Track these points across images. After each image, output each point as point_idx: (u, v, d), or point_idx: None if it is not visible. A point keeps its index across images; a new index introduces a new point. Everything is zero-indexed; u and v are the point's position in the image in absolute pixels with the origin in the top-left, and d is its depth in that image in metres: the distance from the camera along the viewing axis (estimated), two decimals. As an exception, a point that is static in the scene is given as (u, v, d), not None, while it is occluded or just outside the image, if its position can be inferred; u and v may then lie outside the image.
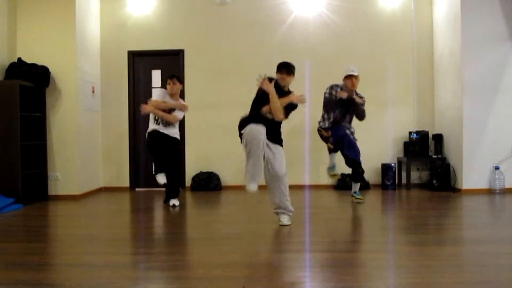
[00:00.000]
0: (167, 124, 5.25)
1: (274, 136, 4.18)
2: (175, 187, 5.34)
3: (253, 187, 4.06)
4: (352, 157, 5.12)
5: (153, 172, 5.27)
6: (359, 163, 5.17)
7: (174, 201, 5.31)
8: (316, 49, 6.80)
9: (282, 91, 4.19)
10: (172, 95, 5.32)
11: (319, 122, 5.40)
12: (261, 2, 6.91)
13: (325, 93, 5.31)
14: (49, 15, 6.06)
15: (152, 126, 5.29)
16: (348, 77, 5.16)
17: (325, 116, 5.33)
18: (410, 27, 6.88)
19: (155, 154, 5.24)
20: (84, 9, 6.40)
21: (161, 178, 5.19)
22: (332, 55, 6.80)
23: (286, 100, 4.11)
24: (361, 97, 5.29)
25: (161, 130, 5.23)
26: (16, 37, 6.07)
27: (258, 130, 3.98)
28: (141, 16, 6.98)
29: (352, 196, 5.44)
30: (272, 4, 6.90)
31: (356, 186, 5.42)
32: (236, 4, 6.73)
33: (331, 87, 5.28)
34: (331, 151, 5.41)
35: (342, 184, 6.55)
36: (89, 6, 6.57)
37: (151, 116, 5.31)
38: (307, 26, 6.86)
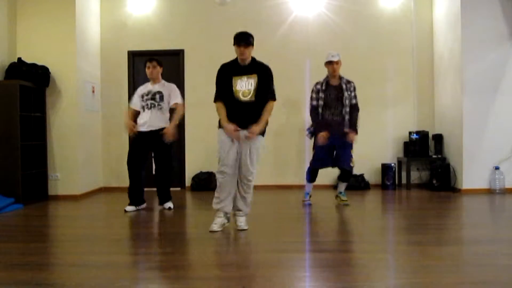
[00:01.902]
0: (156, 106, 4.97)
1: (251, 122, 3.84)
2: (167, 190, 5.19)
3: (215, 226, 3.91)
4: (345, 168, 5.08)
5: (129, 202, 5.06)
6: (351, 171, 5.11)
7: (170, 204, 5.20)
8: (316, 49, 6.79)
9: (244, 69, 3.88)
10: (153, 80, 5.06)
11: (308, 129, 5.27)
12: (261, 2, 6.91)
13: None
14: (49, 15, 6.06)
15: (140, 116, 5.02)
16: (329, 63, 5.04)
17: (313, 118, 5.14)
18: (410, 27, 6.88)
19: (134, 168, 4.98)
20: (84, 9, 6.40)
21: (130, 208, 5.03)
22: (332, 55, 6.80)
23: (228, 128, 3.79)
24: (349, 83, 5.07)
25: (145, 127, 4.93)
26: (16, 37, 6.07)
27: (226, 153, 3.79)
28: (141, 16, 6.98)
29: (337, 196, 5.31)
30: (272, 4, 6.90)
31: (342, 186, 5.28)
32: (236, 4, 6.73)
33: (312, 90, 5.13)
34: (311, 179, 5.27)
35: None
36: (89, 6, 6.57)
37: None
38: (307, 26, 6.86)
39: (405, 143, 6.74)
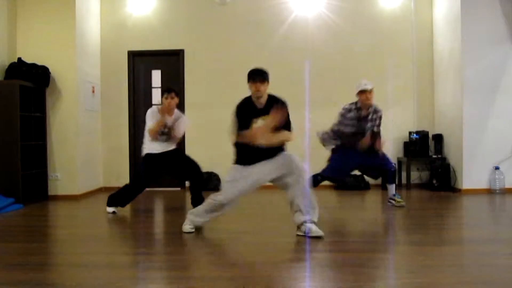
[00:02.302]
0: (167, 140, 4.86)
1: (273, 150, 3.66)
2: (200, 196, 4.95)
3: (188, 227, 3.80)
4: (386, 169, 4.95)
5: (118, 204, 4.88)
6: (392, 169, 4.97)
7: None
8: (316, 49, 6.79)
9: (260, 111, 3.59)
10: (169, 111, 4.78)
11: (323, 134, 5.04)
12: (261, 2, 6.91)
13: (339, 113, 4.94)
14: (49, 15, 6.06)
15: (153, 145, 4.84)
16: (362, 92, 4.80)
17: (333, 134, 4.95)
18: (410, 27, 6.88)
19: (146, 180, 4.88)
20: (84, 9, 6.40)
21: (111, 210, 4.87)
22: (332, 55, 6.80)
23: (264, 128, 3.50)
24: (376, 112, 4.87)
25: (161, 150, 4.82)
26: (16, 37, 6.07)
27: (232, 195, 3.62)
28: (141, 16, 6.98)
29: (392, 199, 5.04)
30: (272, 4, 6.90)
31: (392, 188, 5.05)
32: (236, 4, 6.73)
33: (340, 115, 4.89)
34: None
35: (342, 184, 6.55)
36: (89, 6, 6.57)
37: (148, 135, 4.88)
38: (307, 26, 6.86)
39: (405, 143, 6.74)
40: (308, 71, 6.67)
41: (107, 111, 6.97)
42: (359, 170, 5.16)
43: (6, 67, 5.73)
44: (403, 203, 5.02)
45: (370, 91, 4.81)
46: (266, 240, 3.70)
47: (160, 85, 7.07)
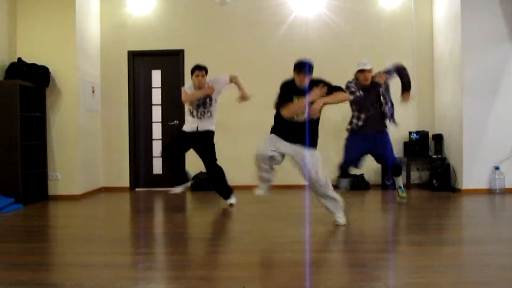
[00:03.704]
0: (202, 115, 5.01)
1: (306, 137, 3.97)
2: (223, 185, 5.15)
3: (259, 191, 4.21)
4: (392, 163, 5.06)
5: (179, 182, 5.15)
6: (398, 164, 5.12)
7: (232, 200, 5.17)
8: (316, 49, 6.79)
9: (301, 90, 3.96)
10: (199, 88, 5.00)
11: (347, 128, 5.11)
12: (261, 2, 6.91)
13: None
14: (49, 15, 6.06)
15: (188, 121, 5.08)
16: (361, 71, 4.95)
17: (356, 115, 5.03)
18: (410, 27, 6.88)
19: (170, 156, 5.07)
20: (84, 9, 6.40)
21: (179, 188, 5.16)
22: (332, 55, 6.80)
23: (304, 100, 3.90)
24: (378, 83, 5.01)
25: (195, 128, 5.00)
26: (16, 37, 6.07)
27: (263, 151, 3.98)
28: (141, 16, 6.98)
29: (397, 191, 5.34)
30: (272, 4, 6.90)
31: (398, 180, 5.27)
32: (236, 4, 6.73)
33: (346, 87, 4.92)
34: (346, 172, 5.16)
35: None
36: (89, 6, 6.57)
37: (187, 109, 5.08)
38: (307, 26, 6.86)
39: (405, 143, 6.74)
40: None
41: (107, 111, 6.96)
42: (372, 155, 5.20)
43: (6, 67, 5.73)
44: (404, 200, 5.10)
45: (369, 71, 4.93)
46: (266, 240, 3.70)
47: (160, 85, 7.07)
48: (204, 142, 5.05)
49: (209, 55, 6.93)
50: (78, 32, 6.16)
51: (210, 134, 5.08)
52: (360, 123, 4.98)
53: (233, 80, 5.10)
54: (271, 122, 4.20)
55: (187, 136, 5.06)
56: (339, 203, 4.11)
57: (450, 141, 6.42)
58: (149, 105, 7.09)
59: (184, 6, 7.00)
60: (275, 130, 4.09)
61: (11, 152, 5.44)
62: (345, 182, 5.33)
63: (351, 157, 5.04)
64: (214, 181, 5.20)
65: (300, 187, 6.55)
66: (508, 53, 5.99)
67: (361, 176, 6.64)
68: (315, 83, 3.99)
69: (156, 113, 7.07)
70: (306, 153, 3.96)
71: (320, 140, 4.15)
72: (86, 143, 6.38)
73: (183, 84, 6.87)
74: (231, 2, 6.14)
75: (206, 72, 5.08)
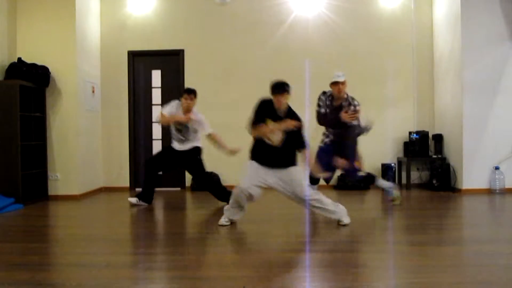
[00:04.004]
0: (181, 140, 5.22)
1: (283, 159, 4.00)
2: (220, 190, 5.30)
3: (224, 221, 4.15)
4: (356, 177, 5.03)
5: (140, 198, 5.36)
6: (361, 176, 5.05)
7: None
8: (316, 49, 6.80)
9: (277, 114, 3.96)
10: (187, 111, 5.14)
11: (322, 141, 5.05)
12: (261, 2, 6.91)
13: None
14: (49, 15, 6.06)
15: (173, 141, 5.31)
16: (335, 83, 4.82)
17: (325, 132, 5.01)
18: (410, 27, 6.88)
19: (153, 169, 5.32)
20: (84, 9, 6.40)
21: (133, 200, 5.38)
22: (332, 55, 6.80)
23: (276, 127, 3.90)
24: (354, 107, 4.78)
25: (177, 148, 5.25)
26: (16, 37, 6.07)
27: (246, 185, 3.94)
28: (141, 16, 6.99)
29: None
30: (272, 4, 6.90)
31: (381, 184, 5.19)
32: (236, 4, 6.73)
33: (319, 98, 4.96)
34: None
35: (342, 184, 6.56)
36: (89, 6, 6.57)
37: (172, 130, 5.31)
38: (307, 26, 6.86)
39: (405, 143, 6.74)
40: (308, 71, 6.67)
41: (107, 111, 6.97)
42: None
43: (6, 67, 5.73)
44: (398, 201, 5.16)
45: (343, 83, 4.82)
46: (266, 240, 3.70)
47: (160, 85, 7.07)
48: (191, 159, 5.27)
49: (209, 55, 6.94)
50: (78, 32, 6.16)
51: (197, 150, 5.28)
52: (327, 139, 4.96)
53: (211, 136, 5.22)
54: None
55: (175, 153, 5.26)
56: (337, 211, 4.10)
57: (450, 141, 6.42)
58: (149, 105, 7.09)
59: (184, 6, 7.00)
60: (254, 155, 4.05)
61: (11, 152, 5.44)
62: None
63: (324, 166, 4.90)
64: (210, 189, 5.38)
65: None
66: (508, 53, 5.99)
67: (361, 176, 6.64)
68: (293, 114, 4.01)
69: (156, 113, 7.06)
70: (287, 173, 3.96)
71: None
72: (86, 143, 6.38)
73: (183, 84, 6.90)
74: (231, 2, 6.14)
75: (195, 95, 5.22)
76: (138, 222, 4.72)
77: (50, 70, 5.98)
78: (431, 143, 6.67)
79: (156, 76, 7.10)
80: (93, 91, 6.65)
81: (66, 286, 2.57)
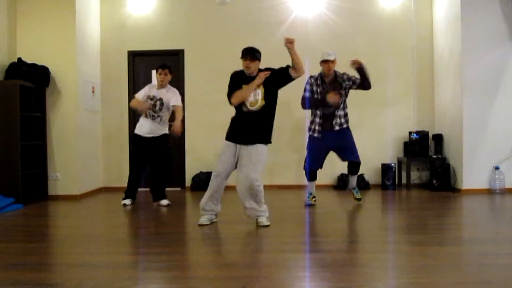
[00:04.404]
0: (154, 116, 5.26)
1: (254, 134, 4.06)
2: (163, 189, 5.43)
3: (203, 220, 4.16)
4: (353, 161, 5.08)
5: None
6: (359, 162, 5.12)
7: (167, 201, 5.38)
8: (316, 49, 6.76)
9: (250, 78, 4.10)
10: (162, 87, 5.29)
11: (309, 129, 5.19)
12: (261, 2, 6.91)
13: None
14: (49, 15, 6.06)
15: (142, 123, 5.33)
16: (324, 61, 5.01)
17: (312, 119, 5.14)
18: (410, 27, 6.88)
19: (136, 168, 5.42)
20: (84, 9, 6.40)
21: (127, 201, 5.46)
22: (332, 55, 6.79)
23: (251, 86, 4.04)
24: (343, 74, 5.07)
25: (147, 134, 5.27)
26: (16, 37, 6.07)
27: (219, 168, 4.08)
28: (141, 16, 6.98)
29: (352, 192, 5.35)
30: (272, 4, 6.90)
31: (353, 180, 5.26)
32: (236, 4, 6.72)
33: (307, 82, 5.09)
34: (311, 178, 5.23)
35: (342, 184, 6.55)
36: (89, 6, 6.57)
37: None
38: (307, 26, 6.86)
39: (405, 143, 6.74)
40: (308, 71, 6.65)
41: (107, 111, 6.96)
42: (335, 153, 5.22)
43: (6, 67, 5.73)
44: (359, 201, 5.24)
45: (333, 61, 5.01)
46: (266, 240, 3.71)
47: (160, 85, 7.07)
48: (161, 147, 5.33)
49: (209, 55, 6.94)
50: (78, 32, 6.16)
51: (166, 137, 5.37)
52: (316, 132, 5.08)
53: (176, 107, 5.30)
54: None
55: (144, 142, 5.29)
56: (263, 210, 4.10)
57: (450, 141, 6.42)
58: (149, 105, 7.08)
59: (184, 6, 7.00)
60: (229, 134, 4.17)
61: (11, 152, 5.44)
62: (312, 187, 5.30)
63: (316, 159, 5.12)
64: (158, 181, 5.40)
65: (300, 187, 6.56)
66: (508, 53, 5.99)
67: (361, 176, 6.64)
68: (261, 70, 4.15)
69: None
70: (252, 148, 4.00)
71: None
72: (86, 143, 6.38)
73: (183, 84, 6.90)
74: (231, 2, 6.13)
75: (170, 71, 5.33)
76: (138, 222, 4.72)
77: (50, 70, 5.98)
78: (431, 143, 6.67)
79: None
80: (93, 91, 6.65)
81: (66, 286, 2.57)
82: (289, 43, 4.09)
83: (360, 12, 6.88)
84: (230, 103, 4.15)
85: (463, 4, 5.97)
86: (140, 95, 5.33)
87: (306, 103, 5.12)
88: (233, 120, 4.21)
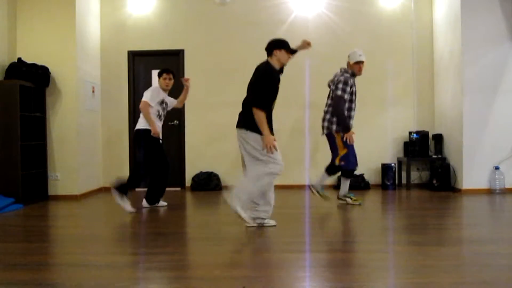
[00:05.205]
0: (162, 118, 5.29)
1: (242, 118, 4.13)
2: (128, 187, 5.21)
3: (271, 222, 4.09)
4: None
5: (123, 193, 5.02)
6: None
7: (164, 202, 5.38)
8: (316, 49, 6.77)
9: (280, 71, 4.20)
10: (165, 91, 5.29)
11: (328, 128, 5.05)
12: (261, 2, 6.92)
13: (337, 89, 4.90)
14: (49, 15, 6.06)
15: (157, 123, 5.11)
16: (359, 62, 4.95)
17: (348, 114, 5.01)
18: (410, 27, 6.88)
19: (161, 163, 5.15)
20: (84, 10, 6.40)
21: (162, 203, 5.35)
22: (332, 55, 6.78)
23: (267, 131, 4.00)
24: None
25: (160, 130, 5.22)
26: (16, 37, 6.07)
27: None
28: (141, 16, 6.99)
29: (346, 197, 5.29)
30: (272, 4, 6.90)
31: (325, 178, 5.25)
32: (236, 4, 6.73)
33: (345, 83, 4.86)
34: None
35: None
36: (89, 6, 6.57)
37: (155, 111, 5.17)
38: (307, 26, 6.87)
39: (405, 143, 6.74)
40: (308, 71, 6.67)
41: (107, 111, 6.97)
42: None
43: (6, 67, 5.73)
44: (327, 199, 5.26)
45: (363, 63, 5.02)
46: (266, 240, 3.70)
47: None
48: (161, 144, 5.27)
49: (209, 55, 6.94)
50: (78, 32, 6.16)
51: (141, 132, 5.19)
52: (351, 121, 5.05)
53: (182, 99, 5.56)
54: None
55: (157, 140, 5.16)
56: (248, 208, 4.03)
57: (450, 141, 6.42)
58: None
59: (184, 6, 7.00)
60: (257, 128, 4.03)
61: (11, 152, 5.44)
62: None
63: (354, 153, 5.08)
64: (135, 179, 5.22)
65: (300, 187, 6.56)
66: (508, 53, 5.99)
67: (361, 176, 6.65)
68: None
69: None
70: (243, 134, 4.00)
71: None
72: (86, 143, 6.38)
73: (183, 84, 6.88)
74: (231, 2, 6.13)
75: (174, 76, 5.36)
76: (138, 222, 4.71)
77: (50, 70, 5.98)
78: (431, 143, 6.68)
79: (156, 76, 7.07)
80: (93, 91, 6.65)
81: (66, 286, 2.57)
82: (308, 44, 4.35)
83: (360, 12, 6.88)
84: (257, 106, 3.92)
85: (463, 4, 5.97)
86: (154, 100, 5.07)
87: (343, 105, 4.90)
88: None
